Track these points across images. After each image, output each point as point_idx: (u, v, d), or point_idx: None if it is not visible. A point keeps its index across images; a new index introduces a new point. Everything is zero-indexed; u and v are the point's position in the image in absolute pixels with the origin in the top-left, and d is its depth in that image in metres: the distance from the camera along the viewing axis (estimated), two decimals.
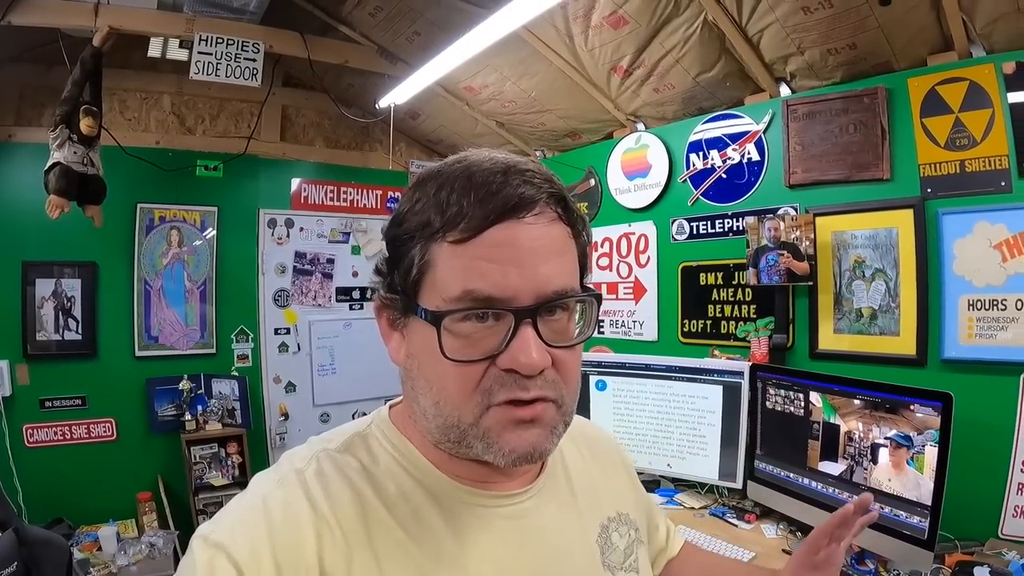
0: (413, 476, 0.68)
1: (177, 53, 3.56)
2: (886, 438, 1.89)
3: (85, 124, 2.78)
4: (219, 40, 3.06)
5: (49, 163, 2.77)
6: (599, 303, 0.68)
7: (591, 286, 0.69)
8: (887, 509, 1.85)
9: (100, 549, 3.03)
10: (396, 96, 3.48)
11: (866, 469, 1.94)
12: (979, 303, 2.03)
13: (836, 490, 2.03)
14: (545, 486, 0.76)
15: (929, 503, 1.74)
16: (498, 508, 0.70)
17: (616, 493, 0.88)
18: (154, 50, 3.59)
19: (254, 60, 3.15)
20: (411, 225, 0.63)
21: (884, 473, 1.89)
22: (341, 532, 0.61)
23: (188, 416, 3.58)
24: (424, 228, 0.61)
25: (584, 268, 0.69)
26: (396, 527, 0.64)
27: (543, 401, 0.62)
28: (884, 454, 1.90)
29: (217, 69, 3.08)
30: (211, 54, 3.05)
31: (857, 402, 1.99)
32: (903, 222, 2.23)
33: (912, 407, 1.83)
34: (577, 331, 0.66)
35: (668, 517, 1.08)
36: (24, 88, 3.40)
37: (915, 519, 1.78)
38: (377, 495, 0.65)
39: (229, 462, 3.61)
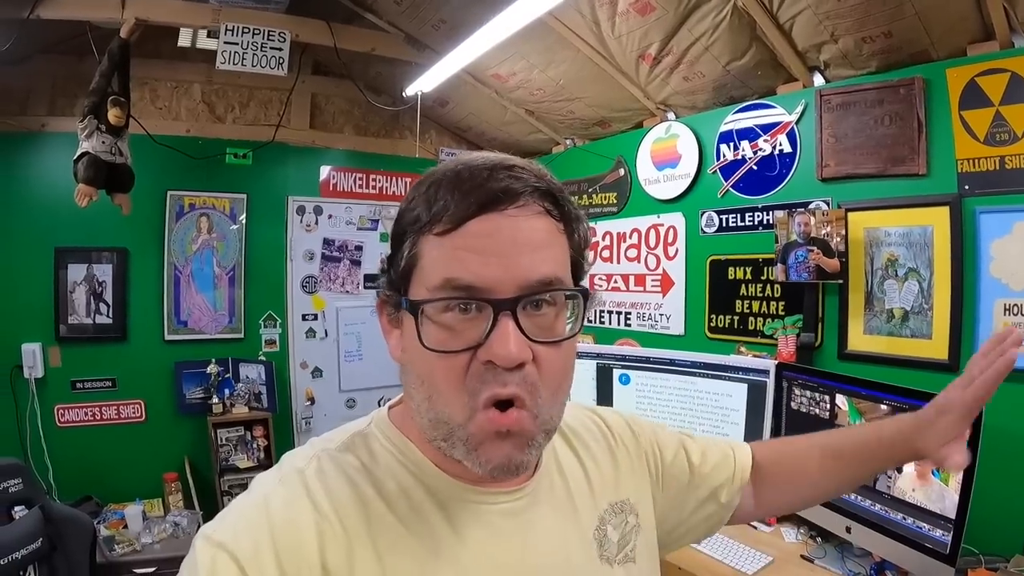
0: (412, 473, 0.69)
1: (206, 43, 3.59)
2: None
3: (113, 114, 2.82)
4: (245, 30, 3.07)
5: (78, 153, 2.82)
6: (587, 300, 0.66)
7: (585, 284, 0.68)
8: (909, 520, 1.79)
9: (126, 527, 3.10)
10: (423, 84, 3.45)
11: (890, 477, 1.87)
12: (1016, 308, 1.93)
13: (859, 497, 1.96)
14: (540, 486, 0.76)
15: (953, 516, 1.67)
16: (493, 505, 0.70)
17: (610, 482, 0.86)
18: (184, 40, 3.63)
19: (280, 49, 3.16)
20: (405, 222, 0.65)
21: (908, 483, 1.82)
22: (342, 529, 0.62)
23: (215, 399, 3.65)
24: (415, 223, 0.63)
25: (578, 267, 0.68)
26: (396, 523, 0.65)
27: (519, 409, 0.61)
28: (909, 463, 1.82)
29: (244, 59, 3.09)
30: (237, 44, 3.07)
31: (884, 407, 1.92)
32: (939, 220, 2.13)
33: None
34: (567, 328, 0.65)
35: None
36: (56, 79, 3.45)
37: (938, 532, 1.71)
38: (377, 492, 0.66)
39: (255, 445, 3.67)
